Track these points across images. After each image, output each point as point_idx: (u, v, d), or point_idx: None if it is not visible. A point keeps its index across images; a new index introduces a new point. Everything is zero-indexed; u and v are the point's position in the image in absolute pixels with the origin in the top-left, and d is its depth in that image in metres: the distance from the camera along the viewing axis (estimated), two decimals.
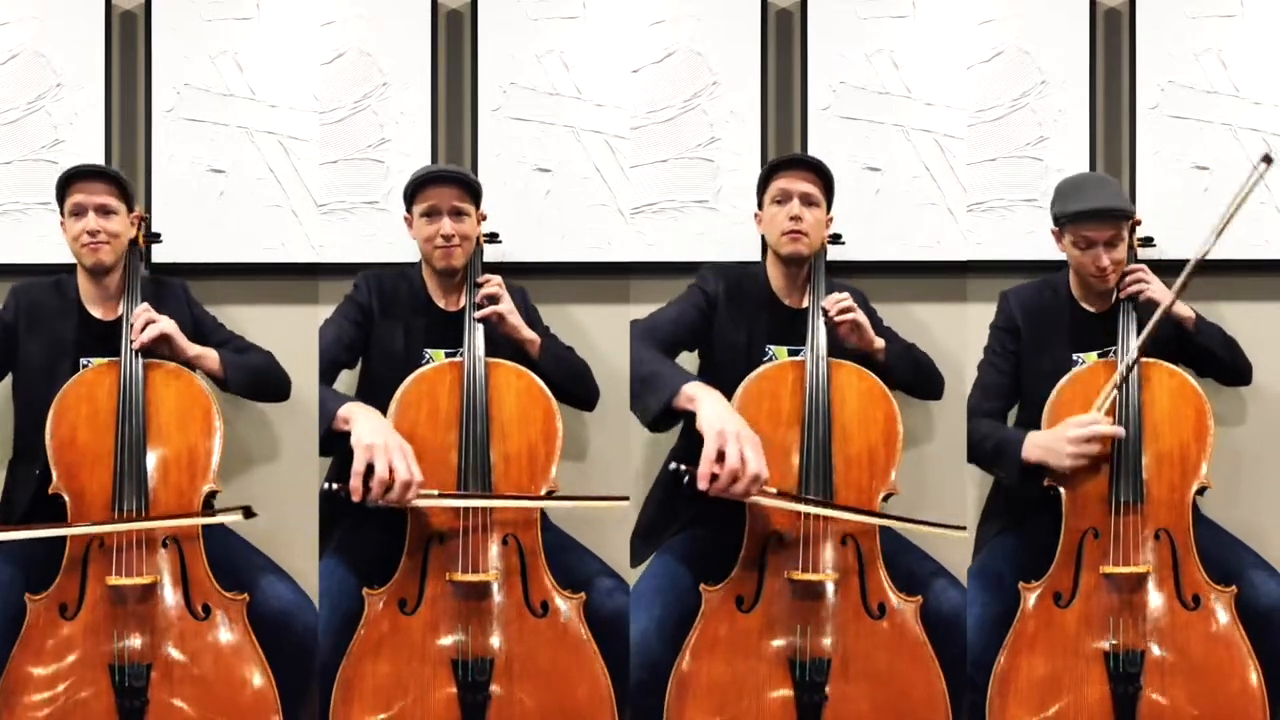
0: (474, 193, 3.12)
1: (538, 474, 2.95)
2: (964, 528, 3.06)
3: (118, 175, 3.08)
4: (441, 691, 2.82)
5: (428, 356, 3.10)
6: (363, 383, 3.20)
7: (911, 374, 3.17)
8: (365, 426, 2.77)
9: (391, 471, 2.72)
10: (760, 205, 3.15)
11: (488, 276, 3.10)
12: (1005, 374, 3.19)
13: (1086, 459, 2.89)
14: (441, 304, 3.16)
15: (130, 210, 3.09)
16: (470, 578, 2.85)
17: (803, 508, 2.85)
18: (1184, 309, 3.09)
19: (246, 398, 3.18)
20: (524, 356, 3.09)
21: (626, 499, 3.03)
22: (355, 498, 2.73)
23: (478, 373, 2.96)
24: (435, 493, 2.84)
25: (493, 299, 3.06)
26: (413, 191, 3.11)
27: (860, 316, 3.03)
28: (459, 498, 2.87)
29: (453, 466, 2.91)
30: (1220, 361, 3.15)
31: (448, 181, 3.09)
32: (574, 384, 3.19)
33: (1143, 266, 3.09)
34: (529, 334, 3.10)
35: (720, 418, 2.70)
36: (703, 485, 2.67)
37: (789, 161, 3.11)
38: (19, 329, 3.09)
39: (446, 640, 2.84)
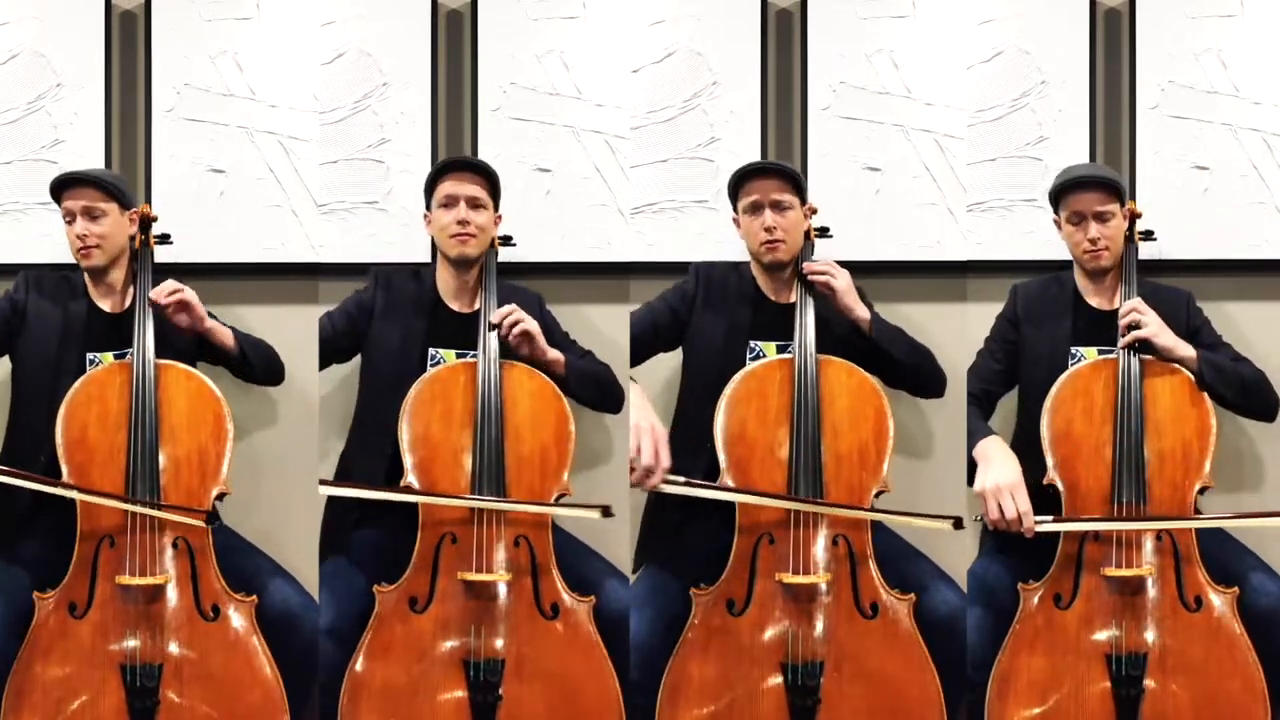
0: (493, 186, 3.13)
1: (550, 476, 2.95)
2: (959, 518, 3.03)
3: (99, 178, 3.07)
4: (451, 692, 2.83)
5: (438, 357, 3.10)
6: (363, 379, 3.20)
7: (908, 375, 3.13)
8: None
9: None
10: (735, 210, 3.16)
11: (510, 308, 3.03)
12: (999, 361, 3.20)
13: (983, 507, 2.91)
14: (455, 305, 3.17)
15: (124, 209, 3.09)
16: (481, 577, 2.85)
17: (707, 493, 2.90)
18: (1185, 350, 2.99)
19: (254, 377, 3.17)
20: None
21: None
22: None
23: (492, 375, 2.96)
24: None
25: (524, 335, 3.01)
26: (432, 181, 3.13)
27: (839, 280, 3.03)
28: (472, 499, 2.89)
29: (466, 468, 2.91)
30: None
31: (467, 169, 3.11)
32: (600, 395, 3.19)
33: (1138, 301, 3.03)
34: (554, 355, 3.08)
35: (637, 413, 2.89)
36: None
37: (754, 170, 3.11)
38: (28, 310, 3.07)
39: (456, 641, 2.85)
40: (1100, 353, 3.07)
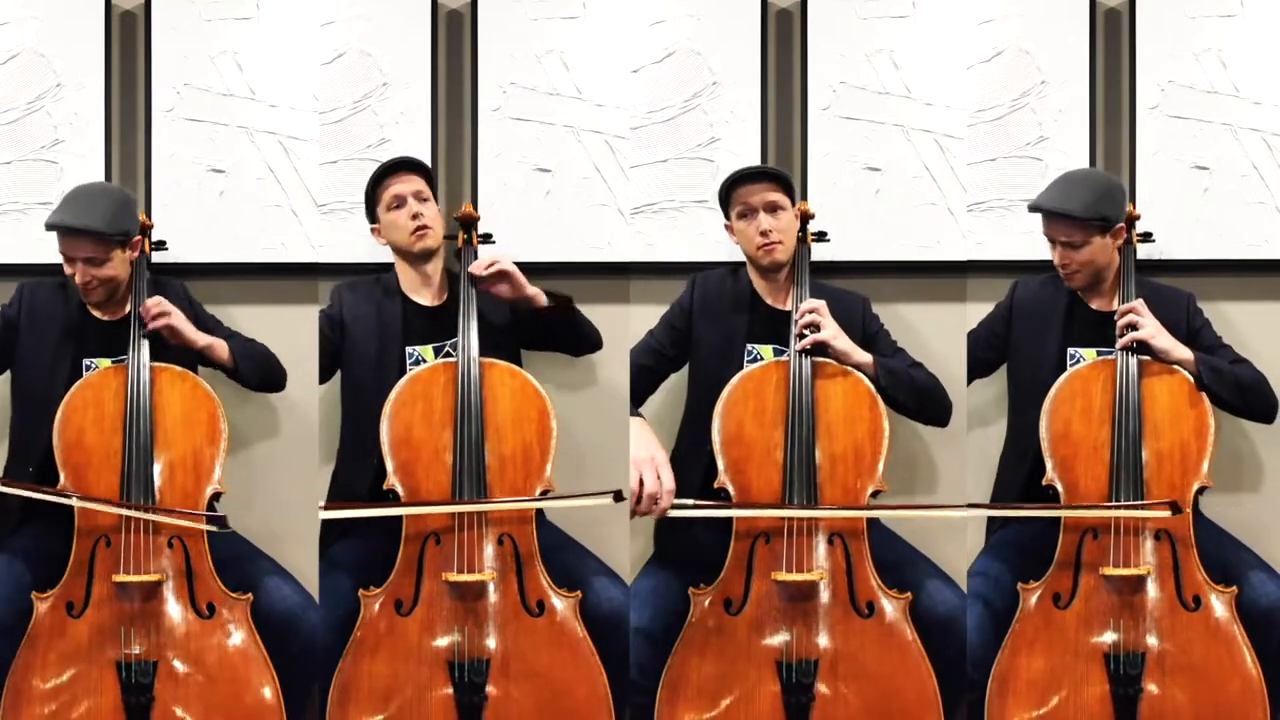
0: (429, 179, 3.18)
1: (533, 474, 2.95)
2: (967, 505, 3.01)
3: (100, 231, 3.01)
4: (438, 692, 2.83)
5: (416, 355, 3.10)
6: (345, 384, 3.21)
7: (906, 397, 3.06)
8: None
9: None
10: (727, 217, 3.16)
11: (490, 256, 3.10)
12: (979, 348, 3.23)
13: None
14: (427, 301, 3.18)
15: (125, 247, 3.07)
16: (466, 578, 2.85)
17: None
18: (1183, 351, 2.98)
19: (252, 387, 3.18)
20: (531, 323, 3.12)
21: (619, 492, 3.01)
22: None
23: (472, 373, 2.96)
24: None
25: (500, 274, 3.07)
26: (372, 188, 3.17)
27: (827, 333, 2.99)
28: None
29: (448, 467, 2.91)
30: (1230, 405, 3.04)
31: (409, 170, 3.15)
32: (587, 327, 3.21)
33: (1138, 303, 3.03)
34: (533, 290, 3.10)
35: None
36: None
37: (743, 176, 3.12)
38: (20, 325, 3.10)
39: (442, 641, 2.85)
40: (1099, 354, 3.07)
